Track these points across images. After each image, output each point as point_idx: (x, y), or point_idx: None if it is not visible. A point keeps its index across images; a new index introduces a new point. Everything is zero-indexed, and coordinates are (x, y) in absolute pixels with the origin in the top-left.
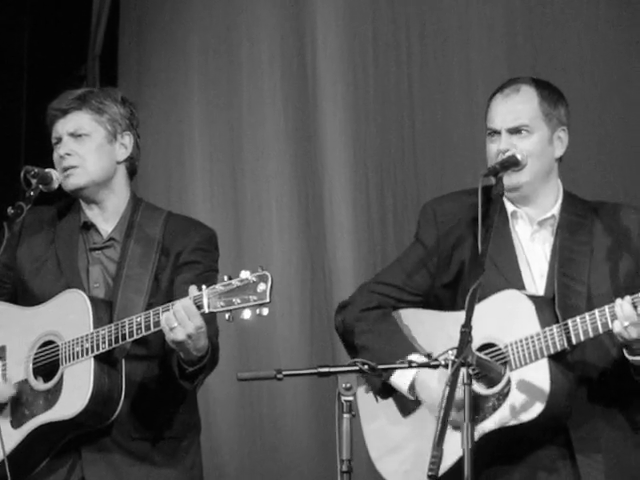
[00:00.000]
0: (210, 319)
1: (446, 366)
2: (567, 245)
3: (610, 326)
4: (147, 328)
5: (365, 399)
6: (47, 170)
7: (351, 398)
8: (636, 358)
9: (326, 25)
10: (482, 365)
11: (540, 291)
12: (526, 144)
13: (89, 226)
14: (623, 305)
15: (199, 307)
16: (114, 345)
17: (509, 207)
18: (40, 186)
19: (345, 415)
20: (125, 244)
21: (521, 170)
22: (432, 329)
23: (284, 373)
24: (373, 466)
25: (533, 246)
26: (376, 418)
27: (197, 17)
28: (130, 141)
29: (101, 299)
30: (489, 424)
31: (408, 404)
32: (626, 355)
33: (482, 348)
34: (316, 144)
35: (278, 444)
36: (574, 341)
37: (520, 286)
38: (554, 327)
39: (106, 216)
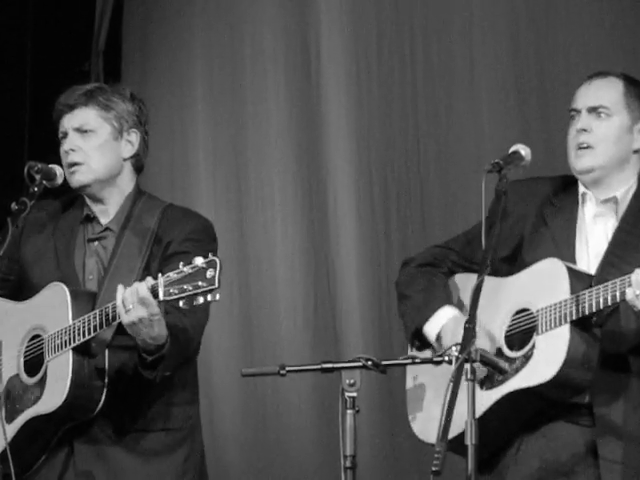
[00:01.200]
0: (193, 310)
1: (450, 362)
2: (626, 228)
3: (618, 298)
4: (114, 318)
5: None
6: (51, 166)
7: (355, 394)
8: None
9: (330, 22)
10: (486, 361)
11: (592, 270)
12: (603, 127)
13: (91, 218)
14: (639, 274)
15: (155, 296)
16: (88, 337)
17: (581, 189)
18: (44, 182)
19: (349, 411)
20: (120, 235)
21: (594, 152)
22: (486, 292)
23: (288, 369)
24: (378, 458)
25: (595, 227)
26: (418, 374)
27: (201, 14)
28: (137, 138)
29: (84, 291)
30: (509, 385)
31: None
32: None
33: (518, 312)
34: (320, 140)
35: (282, 439)
36: (594, 308)
37: (572, 262)
38: (580, 294)
39: (110, 211)
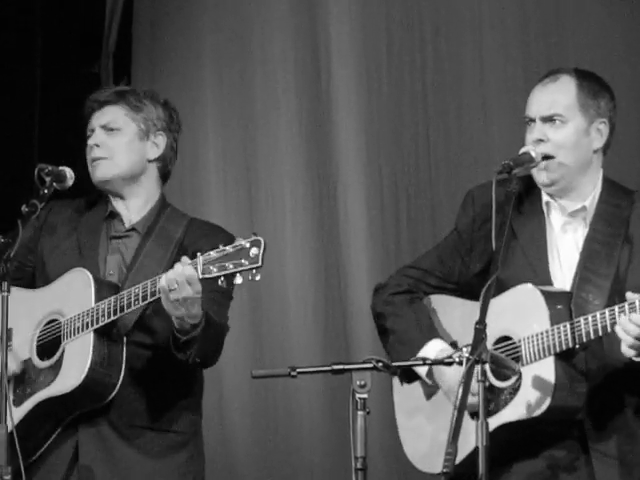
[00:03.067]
0: (220, 312)
1: (460, 363)
2: (597, 237)
3: (609, 330)
4: (144, 298)
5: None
6: (61, 168)
7: (365, 395)
8: None
9: (339, 24)
10: (497, 362)
11: (567, 282)
12: (559, 135)
13: (114, 215)
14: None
15: None
16: (113, 317)
17: (544, 197)
18: (54, 184)
19: (359, 412)
20: (145, 237)
21: (554, 162)
22: (461, 316)
23: (298, 370)
24: (389, 459)
25: (565, 237)
26: (407, 401)
27: (210, 16)
28: (163, 141)
29: (107, 281)
30: (500, 418)
31: (431, 387)
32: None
33: (500, 340)
34: (330, 144)
35: (292, 440)
36: (578, 341)
37: (546, 277)
38: (561, 326)
39: (132, 210)
